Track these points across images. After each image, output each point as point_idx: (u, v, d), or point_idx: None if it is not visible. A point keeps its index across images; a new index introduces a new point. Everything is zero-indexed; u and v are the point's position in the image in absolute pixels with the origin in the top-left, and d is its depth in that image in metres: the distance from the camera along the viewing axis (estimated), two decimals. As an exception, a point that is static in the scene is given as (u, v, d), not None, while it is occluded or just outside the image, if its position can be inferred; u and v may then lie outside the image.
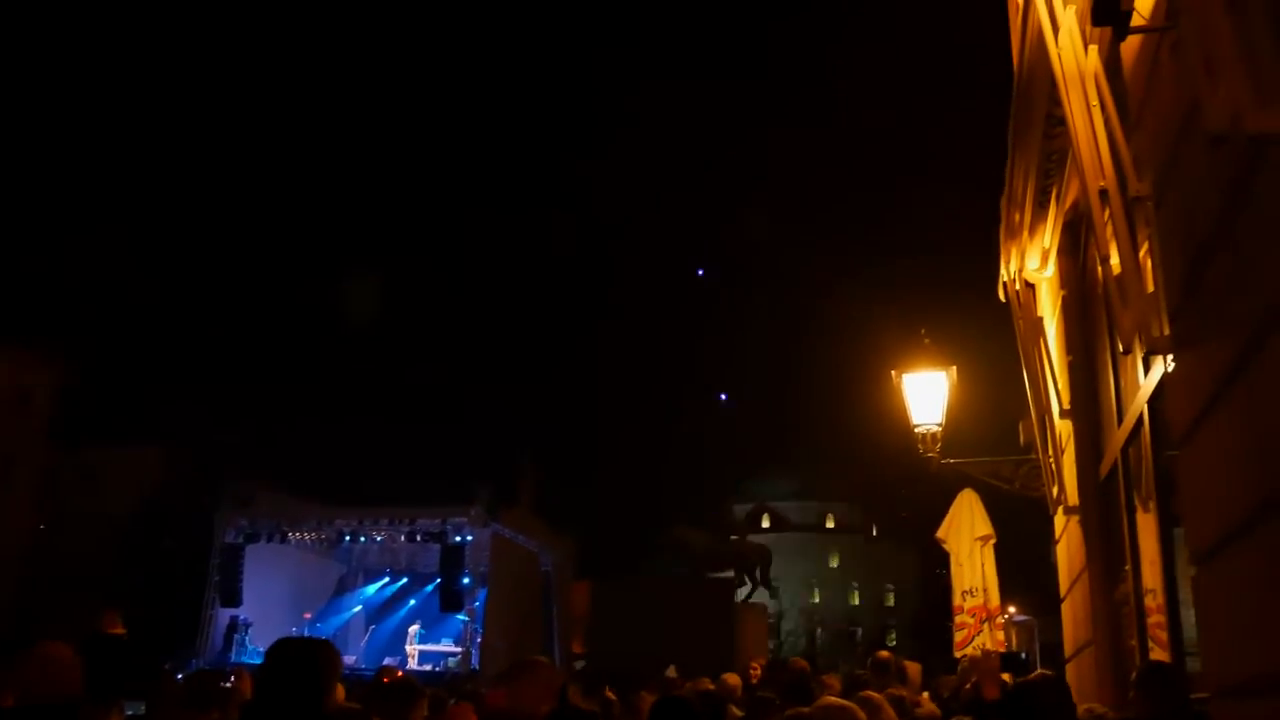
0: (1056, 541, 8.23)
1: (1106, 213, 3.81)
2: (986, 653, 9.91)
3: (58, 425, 35.92)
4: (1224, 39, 2.39)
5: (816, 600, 73.52)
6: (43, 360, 35.43)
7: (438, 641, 27.08)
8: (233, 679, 7.83)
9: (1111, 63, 4.18)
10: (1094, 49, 4.06)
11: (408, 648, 26.17)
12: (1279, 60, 2.29)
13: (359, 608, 30.36)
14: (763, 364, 72.93)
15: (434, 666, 25.31)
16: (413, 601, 29.86)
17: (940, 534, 11.94)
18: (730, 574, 30.64)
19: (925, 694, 9.28)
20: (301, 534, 27.35)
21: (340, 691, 5.86)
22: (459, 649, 26.09)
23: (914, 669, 9.26)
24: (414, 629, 27.09)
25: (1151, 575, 5.31)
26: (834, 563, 75.00)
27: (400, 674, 12.05)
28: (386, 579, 30.79)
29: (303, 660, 3.54)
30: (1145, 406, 5.06)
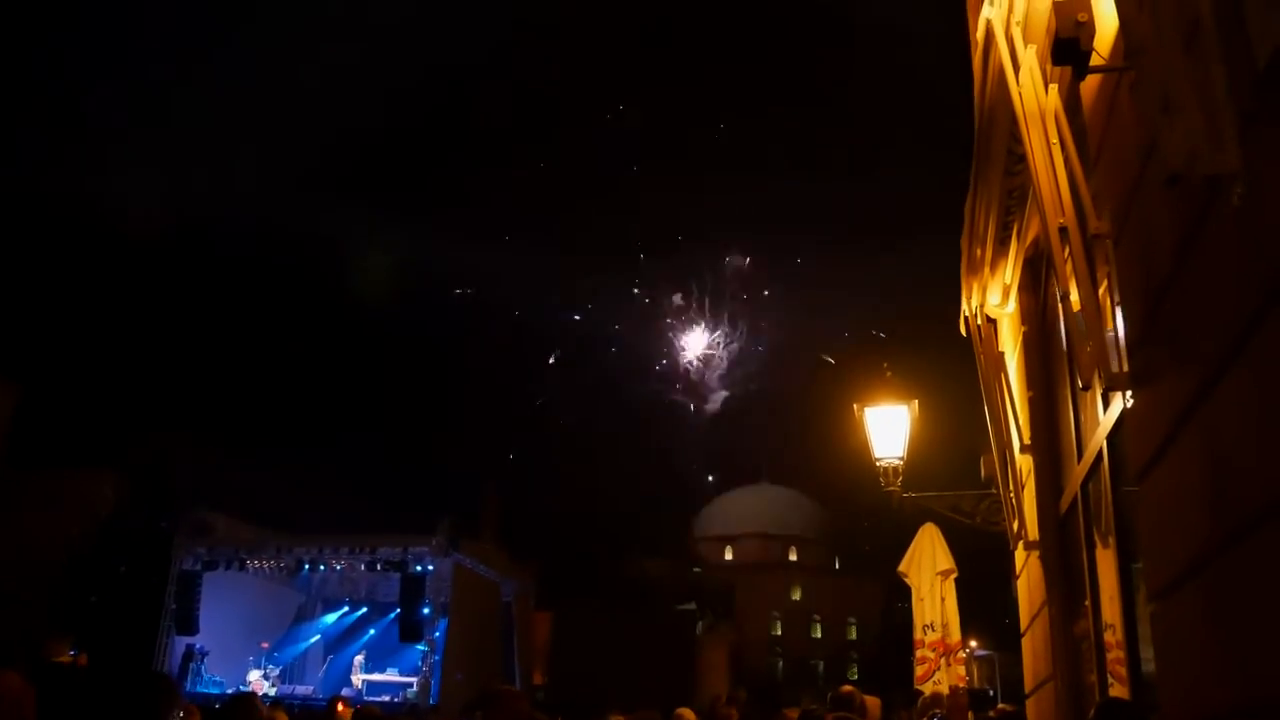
0: (1017, 576, 8.25)
1: (1066, 250, 3.85)
2: (954, 689, 9.90)
3: (11, 447, 35.31)
4: (1181, 79, 2.42)
5: (778, 633, 73.37)
6: (-2, 379, 34.87)
7: (384, 671, 26.72)
8: (181, 714, 7.64)
9: (1071, 101, 4.23)
10: (1054, 88, 4.12)
11: (354, 678, 25.83)
12: (1233, 101, 2.32)
13: (317, 637, 29.95)
14: (725, 395, 72.94)
15: (392, 697, 24.99)
16: (372, 631, 29.50)
17: (902, 568, 11.97)
18: (692, 606, 30.62)
19: (886, 728, 9.26)
20: (260, 562, 26.97)
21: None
22: (407, 679, 25.78)
23: (873, 704, 9.23)
24: (359, 659, 26.76)
25: (1111, 611, 5.32)
26: (796, 595, 74.91)
27: (342, 704, 11.83)
28: (346, 608, 30.42)
29: (136, 696, 3.43)
30: (1104, 442, 5.09)
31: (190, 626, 25.52)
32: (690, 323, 69.94)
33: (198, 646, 25.34)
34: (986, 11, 4.78)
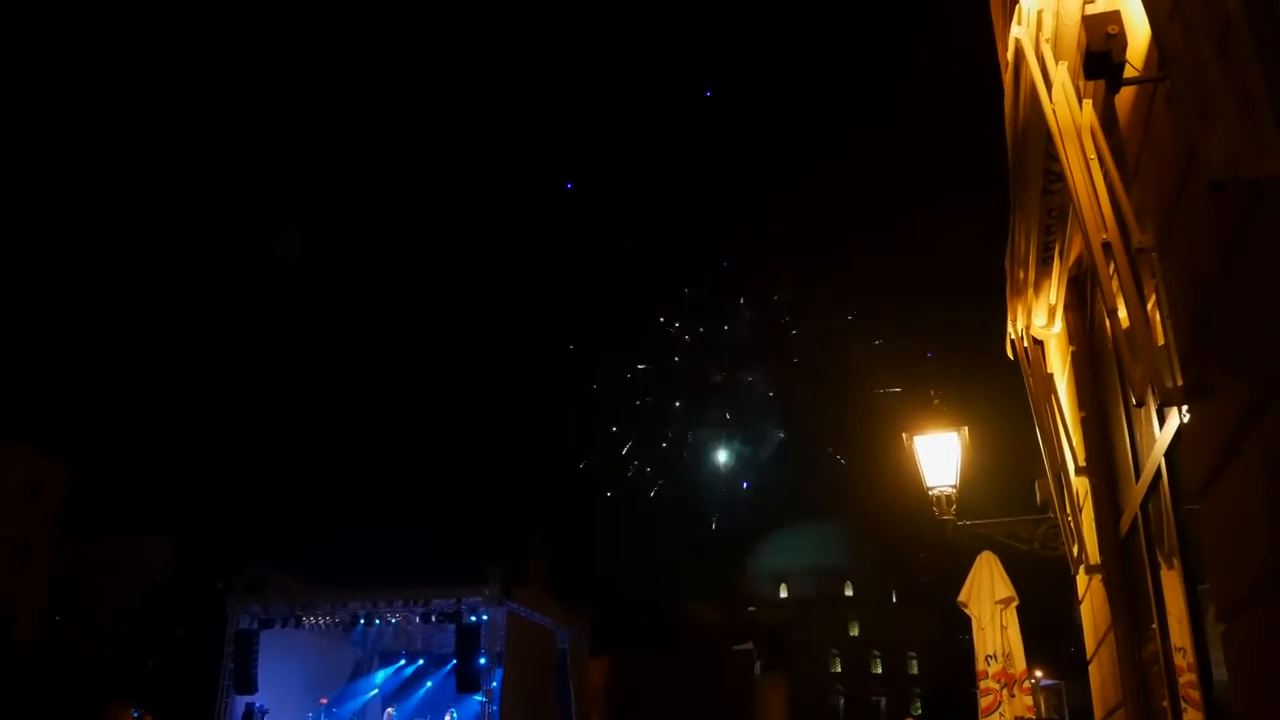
0: (1080, 602, 8.08)
1: (1111, 266, 3.79)
2: (1018, 720, 9.68)
3: (70, 516, 35.97)
4: (1217, 85, 2.39)
5: (838, 670, 72.37)
6: (55, 452, 35.64)
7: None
8: None
9: (1107, 115, 4.19)
10: (1088, 103, 4.08)
11: None
12: (1272, 103, 2.28)
13: (375, 691, 30.01)
14: (777, 432, 72.48)
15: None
16: (429, 683, 29.51)
17: (962, 598, 11.77)
18: (749, 646, 30.33)
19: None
20: (316, 618, 27.10)
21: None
22: None
23: None
24: (390, 711, 26.73)
25: (1180, 633, 5.19)
26: (854, 631, 73.90)
27: None
28: (402, 661, 30.47)
29: None
30: (1162, 459, 4.98)
31: (249, 685, 25.66)
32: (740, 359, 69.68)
33: (258, 705, 25.47)
34: (1015, 31, 4.75)
